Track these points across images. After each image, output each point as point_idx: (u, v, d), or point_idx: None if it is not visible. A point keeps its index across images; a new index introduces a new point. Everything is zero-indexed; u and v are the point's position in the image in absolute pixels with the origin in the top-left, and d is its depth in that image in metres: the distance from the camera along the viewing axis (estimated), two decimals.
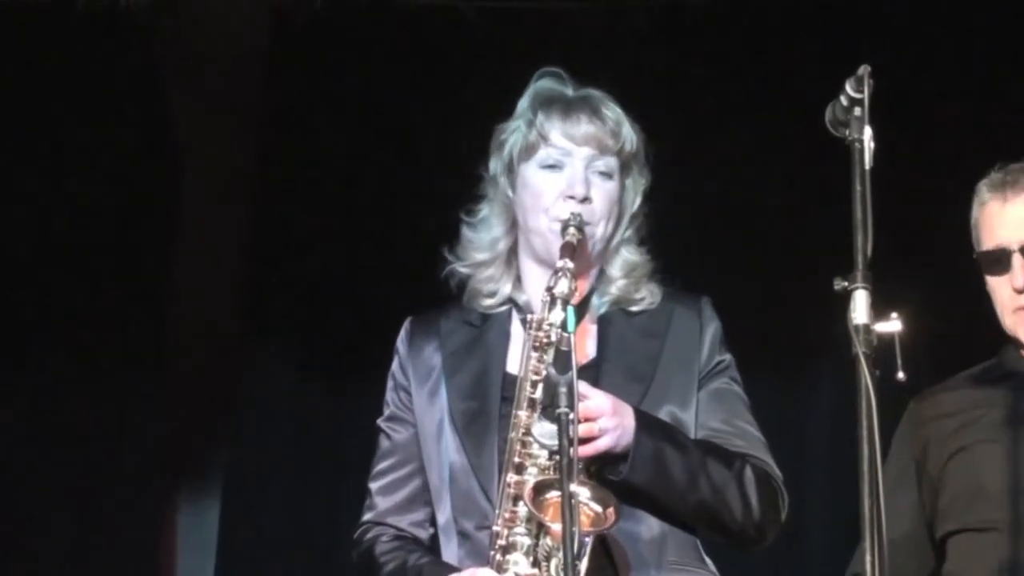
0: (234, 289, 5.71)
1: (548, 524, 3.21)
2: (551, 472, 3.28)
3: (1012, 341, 3.76)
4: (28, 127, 5.61)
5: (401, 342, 3.66)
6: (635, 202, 3.60)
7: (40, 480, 5.53)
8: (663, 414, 3.46)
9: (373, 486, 3.63)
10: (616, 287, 3.56)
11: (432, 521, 3.58)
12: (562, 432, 3.08)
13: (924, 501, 3.78)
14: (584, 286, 3.53)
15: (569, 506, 3.00)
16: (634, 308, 3.57)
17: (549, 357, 3.32)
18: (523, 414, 3.34)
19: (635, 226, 3.61)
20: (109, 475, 5.54)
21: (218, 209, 5.77)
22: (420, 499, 3.60)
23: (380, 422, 3.66)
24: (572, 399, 3.10)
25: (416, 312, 3.71)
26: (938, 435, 3.74)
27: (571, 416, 3.09)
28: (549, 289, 3.32)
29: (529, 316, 3.43)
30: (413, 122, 5.55)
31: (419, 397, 3.59)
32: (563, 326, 3.20)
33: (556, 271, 3.32)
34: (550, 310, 3.32)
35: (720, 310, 3.64)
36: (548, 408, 3.19)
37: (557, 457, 3.21)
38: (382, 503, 3.62)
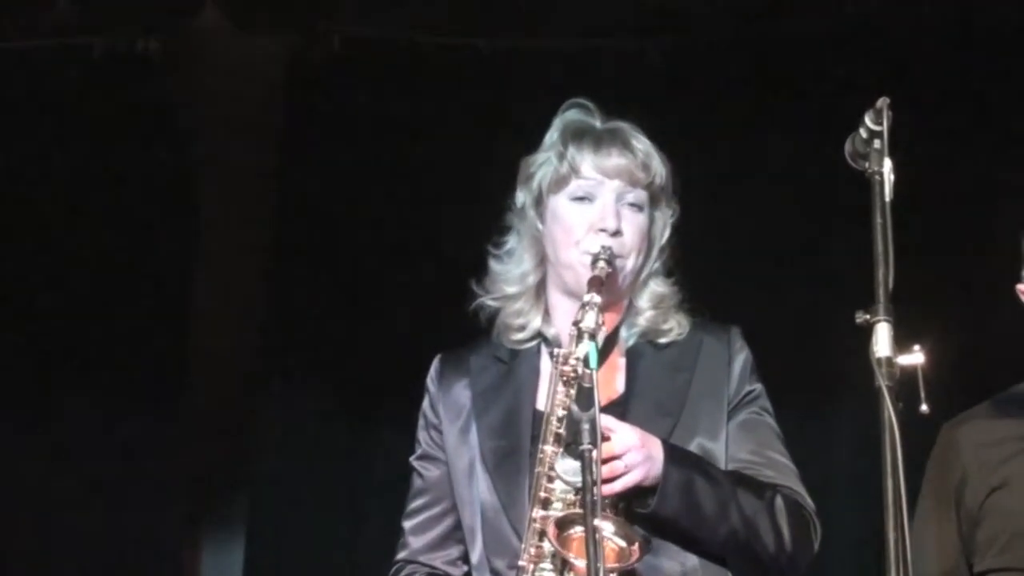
0: (256, 328, 5.72)
1: (572, 560, 3.19)
2: (576, 507, 3.26)
3: None
4: (48, 169, 5.64)
5: (431, 380, 3.64)
6: (664, 234, 3.58)
7: (63, 517, 5.55)
8: (693, 447, 3.43)
9: (406, 525, 3.62)
10: (644, 319, 3.54)
11: (465, 559, 3.56)
12: (585, 469, 3.06)
13: (963, 533, 3.72)
14: (614, 319, 3.51)
15: (593, 542, 2.98)
16: (662, 340, 3.54)
17: (575, 391, 3.28)
18: (549, 449, 3.32)
19: (663, 258, 3.59)
20: (132, 513, 5.55)
21: (238, 247, 5.79)
22: (453, 537, 3.58)
23: (412, 460, 3.64)
24: (595, 436, 3.08)
25: (442, 349, 3.69)
26: (978, 466, 3.68)
27: (594, 453, 3.07)
28: (576, 323, 3.29)
29: (556, 350, 3.40)
30: (431, 160, 5.57)
31: (450, 435, 3.56)
32: (586, 362, 3.17)
33: (583, 305, 3.29)
34: (577, 344, 3.29)
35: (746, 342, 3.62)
36: (571, 445, 3.18)
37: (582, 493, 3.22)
38: (415, 542, 3.60)
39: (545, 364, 3.54)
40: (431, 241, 5.34)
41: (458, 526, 3.55)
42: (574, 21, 5.58)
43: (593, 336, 3.23)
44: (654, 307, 3.54)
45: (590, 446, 3.06)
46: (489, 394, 3.55)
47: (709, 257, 5.37)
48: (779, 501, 3.41)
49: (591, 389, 3.11)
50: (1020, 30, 5.39)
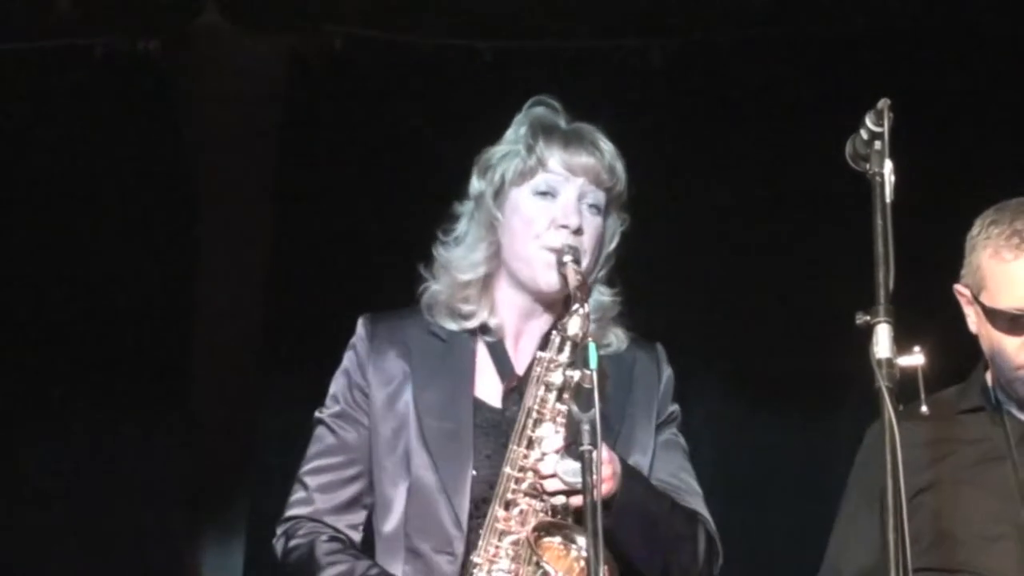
0: (257, 327, 5.73)
1: (546, 567, 3.19)
2: (547, 515, 3.28)
3: (985, 373, 3.76)
4: (47, 172, 5.64)
5: (360, 340, 3.59)
6: (613, 241, 3.58)
7: (63, 517, 5.56)
8: (631, 463, 3.45)
9: (311, 482, 3.54)
10: None
11: (366, 525, 3.53)
12: (586, 470, 3.06)
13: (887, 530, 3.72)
14: (587, 327, 3.46)
15: (595, 543, 2.99)
16: (599, 352, 3.49)
17: (552, 396, 3.32)
18: (520, 450, 3.32)
19: (609, 266, 3.59)
20: (133, 513, 5.56)
21: (237, 248, 5.80)
22: (360, 502, 3.53)
23: (325, 417, 3.58)
24: (595, 437, 3.08)
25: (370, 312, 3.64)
26: (904, 466, 3.68)
27: (595, 454, 3.07)
28: (563, 329, 3.33)
29: (538, 353, 3.40)
30: (431, 162, 5.57)
31: (378, 400, 3.52)
32: (585, 363, 3.17)
33: (571, 312, 3.31)
34: (560, 351, 3.33)
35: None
36: (572, 446, 3.18)
37: (554, 501, 3.26)
38: (321, 500, 3.53)
39: (482, 352, 3.54)
40: (431, 242, 5.33)
41: (367, 492, 3.51)
42: (575, 23, 5.58)
43: (576, 342, 3.24)
44: (596, 318, 3.51)
45: (591, 447, 3.06)
46: (428, 370, 3.51)
47: (708, 257, 5.39)
48: (700, 530, 3.48)
49: (591, 390, 3.11)
50: (1020, 31, 5.40)
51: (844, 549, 3.76)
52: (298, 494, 3.56)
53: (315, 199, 5.72)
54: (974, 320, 3.70)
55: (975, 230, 3.69)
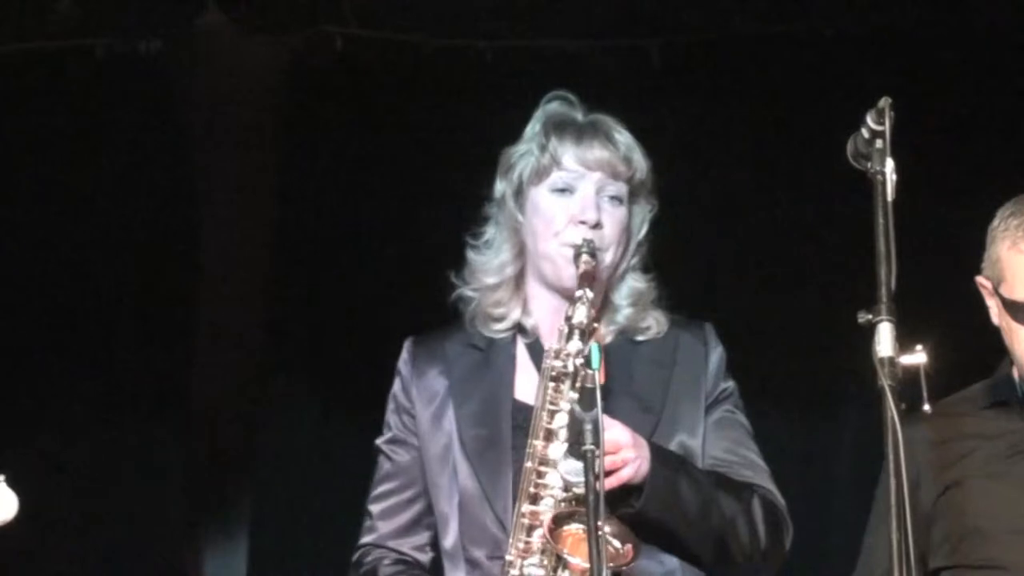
0: (258, 326, 5.73)
1: (567, 557, 3.20)
2: (570, 504, 3.28)
3: (1011, 367, 3.75)
4: (48, 173, 5.64)
5: (404, 363, 3.63)
6: (641, 229, 3.58)
7: (62, 526, 5.55)
8: (674, 444, 3.45)
9: (374, 509, 3.60)
10: (623, 316, 3.54)
11: (433, 544, 3.56)
12: (588, 469, 3.07)
13: (918, 530, 3.72)
14: (593, 314, 3.48)
15: (596, 543, 2.99)
16: (639, 337, 3.55)
17: (566, 387, 3.32)
18: (539, 444, 3.32)
19: (641, 253, 3.59)
20: (133, 513, 5.56)
21: (239, 250, 5.80)
22: (422, 523, 3.57)
23: (381, 444, 3.62)
24: (598, 436, 3.09)
25: (416, 334, 3.68)
26: (931, 464, 3.64)
27: (597, 453, 3.07)
28: (568, 319, 3.32)
29: (547, 345, 3.42)
30: (434, 162, 5.57)
31: (423, 420, 3.56)
32: (587, 363, 3.17)
33: (575, 300, 3.32)
34: (568, 340, 3.32)
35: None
36: (574, 445, 3.18)
37: (577, 491, 3.23)
38: (383, 526, 3.58)
39: (522, 354, 3.56)
40: (433, 240, 5.34)
41: (428, 512, 3.55)
42: (575, 21, 5.58)
43: (584, 331, 3.25)
44: (632, 304, 3.54)
45: (593, 447, 3.06)
46: (467, 382, 3.54)
47: (709, 256, 5.39)
48: (756, 503, 3.45)
49: (593, 390, 3.11)
50: (1020, 30, 5.40)
51: (873, 553, 3.73)
52: (365, 523, 3.62)
53: (316, 199, 5.72)
54: (995, 312, 3.70)
55: (995, 222, 3.68)
